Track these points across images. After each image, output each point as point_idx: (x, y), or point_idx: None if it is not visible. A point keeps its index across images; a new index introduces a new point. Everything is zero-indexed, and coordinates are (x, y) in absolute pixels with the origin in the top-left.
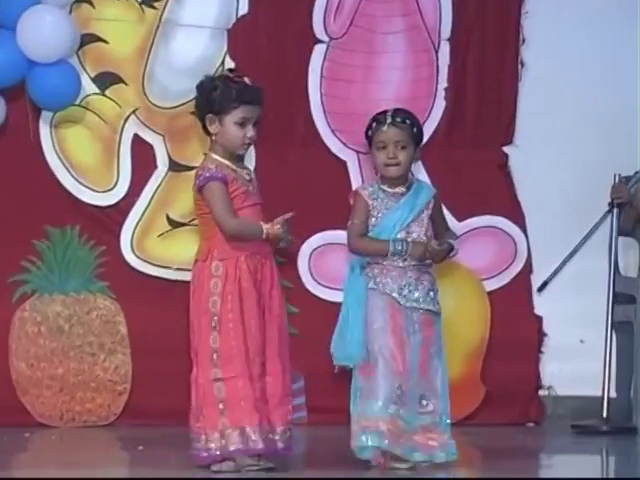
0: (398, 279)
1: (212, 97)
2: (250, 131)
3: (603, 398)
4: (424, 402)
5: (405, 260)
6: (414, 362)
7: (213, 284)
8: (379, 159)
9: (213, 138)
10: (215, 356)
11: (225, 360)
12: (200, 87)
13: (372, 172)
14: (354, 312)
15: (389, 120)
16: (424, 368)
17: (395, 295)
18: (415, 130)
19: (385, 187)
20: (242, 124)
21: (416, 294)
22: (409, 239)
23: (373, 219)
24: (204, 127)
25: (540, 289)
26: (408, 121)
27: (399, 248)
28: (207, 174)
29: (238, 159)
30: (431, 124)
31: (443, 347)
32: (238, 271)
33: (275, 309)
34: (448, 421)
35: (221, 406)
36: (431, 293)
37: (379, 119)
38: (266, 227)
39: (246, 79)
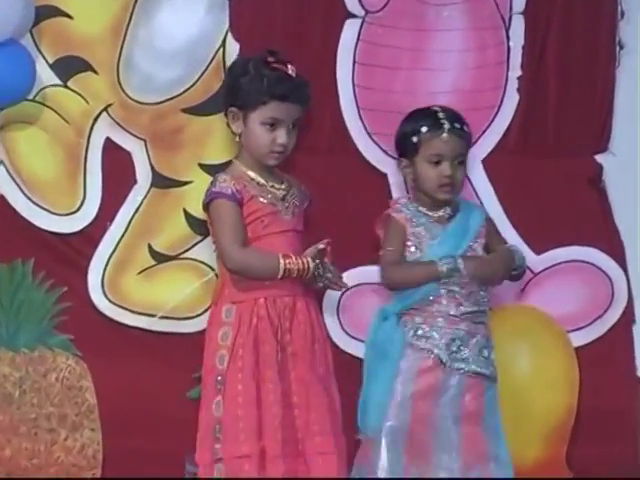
0: (447, 331)
1: (238, 85)
2: (282, 136)
3: None
4: None
5: (460, 305)
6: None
7: (222, 334)
8: (429, 176)
9: (238, 140)
10: (217, 428)
11: (229, 435)
12: (229, 70)
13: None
14: (382, 371)
15: (447, 126)
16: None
17: (439, 352)
18: (469, 139)
19: (425, 210)
20: (271, 125)
21: (466, 352)
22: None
23: (413, 249)
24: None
25: None
26: (466, 127)
27: (451, 266)
28: (215, 188)
29: (274, 170)
30: (500, 125)
31: (499, 421)
32: (255, 318)
33: (319, 367)
34: None
35: None
36: (485, 351)
37: (432, 122)
38: (286, 262)
39: (290, 68)
